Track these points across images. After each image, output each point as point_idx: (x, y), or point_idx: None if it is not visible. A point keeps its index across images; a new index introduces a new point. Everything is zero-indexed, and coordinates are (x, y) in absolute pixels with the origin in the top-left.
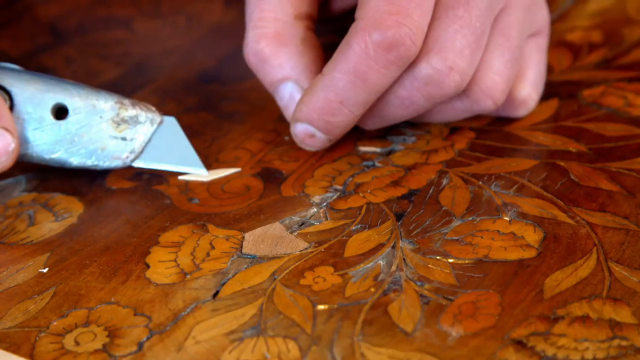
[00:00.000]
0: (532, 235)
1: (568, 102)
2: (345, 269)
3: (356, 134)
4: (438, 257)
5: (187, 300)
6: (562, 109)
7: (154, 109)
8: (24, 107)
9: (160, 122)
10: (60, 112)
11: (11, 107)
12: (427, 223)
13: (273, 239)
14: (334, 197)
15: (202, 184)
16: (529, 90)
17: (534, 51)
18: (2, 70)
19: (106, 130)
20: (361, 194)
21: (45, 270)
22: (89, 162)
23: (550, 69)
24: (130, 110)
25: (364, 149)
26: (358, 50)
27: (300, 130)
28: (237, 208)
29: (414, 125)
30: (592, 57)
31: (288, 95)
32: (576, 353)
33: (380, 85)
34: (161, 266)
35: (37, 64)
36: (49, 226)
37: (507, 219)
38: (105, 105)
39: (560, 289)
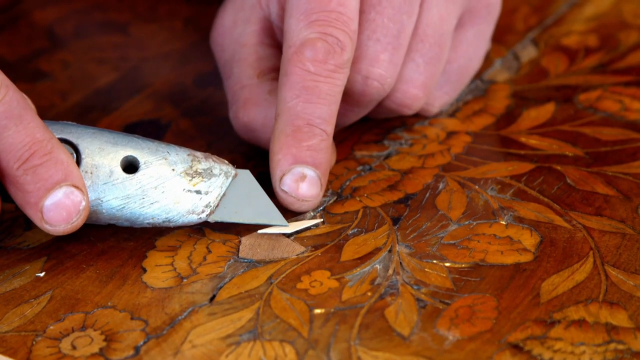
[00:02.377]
0: (529, 239)
1: (564, 106)
2: (341, 273)
3: (353, 138)
4: (435, 261)
5: (183, 304)
6: (558, 113)
7: (227, 162)
8: (92, 161)
9: (235, 176)
10: (130, 167)
11: (78, 162)
12: (424, 227)
13: (270, 243)
14: (331, 201)
15: None
16: (417, 92)
17: (458, 42)
18: (67, 125)
19: (179, 183)
20: (358, 198)
21: (41, 275)
22: (162, 217)
23: (546, 73)
24: (204, 163)
25: (360, 153)
26: (298, 72)
27: (289, 181)
28: None
29: (411, 129)
30: (588, 62)
31: None
32: (573, 357)
33: (334, 93)
34: (158, 270)
35: (33, 69)
36: None
37: (503, 223)
38: (177, 157)
39: (557, 292)
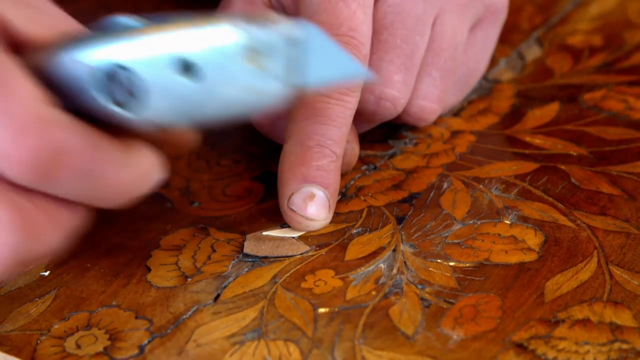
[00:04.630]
0: (533, 239)
1: (569, 105)
2: (346, 272)
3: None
4: (439, 261)
5: (188, 303)
6: (562, 113)
7: (285, 19)
8: (141, 73)
9: (296, 36)
10: (184, 66)
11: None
12: (428, 226)
13: (274, 241)
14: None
15: (203, 187)
16: (434, 106)
17: (467, 46)
18: (109, 34)
19: (240, 67)
20: (362, 198)
21: (46, 274)
22: (234, 108)
23: (550, 73)
24: (258, 32)
25: (365, 152)
26: (309, 94)
27: (297, 200)
28: (238, 211)
29: (415, 128)
30: (592, 61)
31: None
32: (577, 356)
33: (345, 115)
34: (162, 269)
35: None
36: None
37: (507, 222)
38: (227, 38)
39: (561, 292)
